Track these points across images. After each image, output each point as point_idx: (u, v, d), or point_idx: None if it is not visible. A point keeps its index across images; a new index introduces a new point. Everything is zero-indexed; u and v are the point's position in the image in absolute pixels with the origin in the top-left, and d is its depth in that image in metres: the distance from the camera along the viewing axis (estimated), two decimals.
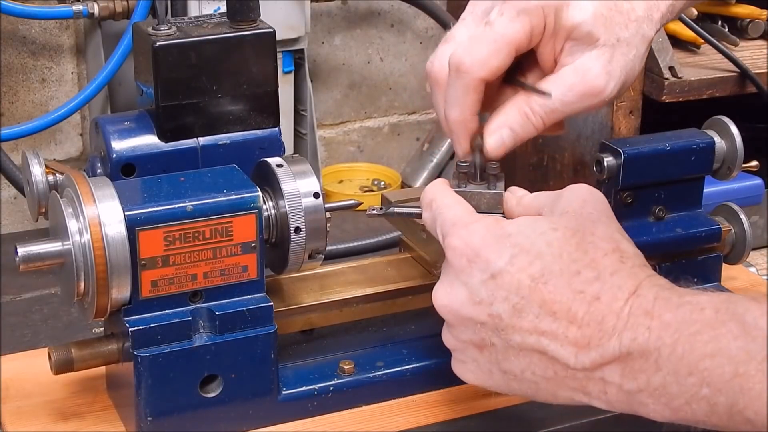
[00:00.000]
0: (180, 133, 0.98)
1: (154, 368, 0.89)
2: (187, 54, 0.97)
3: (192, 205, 0.88)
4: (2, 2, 1.60)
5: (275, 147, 1.01)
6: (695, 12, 1.69)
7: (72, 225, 0.87)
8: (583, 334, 0.75)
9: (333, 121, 2.00)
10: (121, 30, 1.67)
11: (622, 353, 0.73)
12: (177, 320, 0.90)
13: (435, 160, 2.01)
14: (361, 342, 1.02)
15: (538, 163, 1.79)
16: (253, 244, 0.91)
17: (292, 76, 1.79)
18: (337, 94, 1.99)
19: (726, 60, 1.64)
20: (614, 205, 1.06)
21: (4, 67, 1.72)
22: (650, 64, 1.58)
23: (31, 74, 1.75)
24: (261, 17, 1.01)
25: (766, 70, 1.65)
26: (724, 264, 1.12)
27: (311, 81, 1.83)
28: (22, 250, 0.87)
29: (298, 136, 1.85)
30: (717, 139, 1.09)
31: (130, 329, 0.89)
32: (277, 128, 1.02)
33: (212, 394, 0.92)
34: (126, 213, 0.87)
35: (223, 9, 1.07)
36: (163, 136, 0.98)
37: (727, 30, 1.70)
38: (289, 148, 1.80)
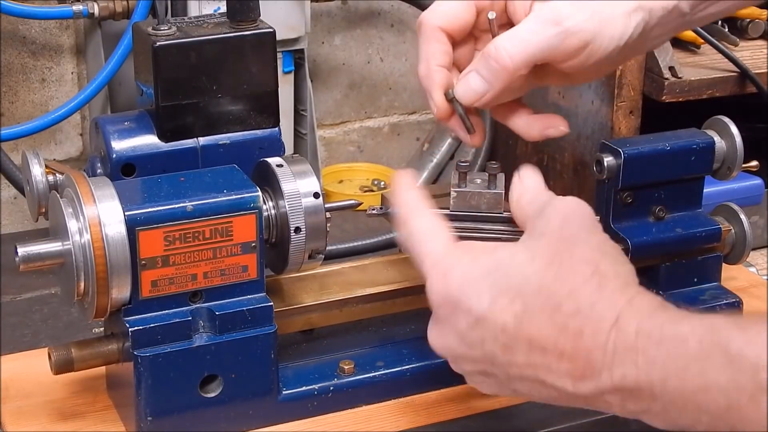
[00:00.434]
0: (180, 133, 0.98)
1: (154, 368, 0.89)
2: (187, 54, 0.97)
3: (192, 205, 0.88)
4: (2, 2, 1.60)
5: (275, 147, 1.01)
6: None
7: (72, 225, 0.87)
8: (575, 366, 0.74)
9: (333, 121, 2.00)
10: (121, 30, 1.67)
11: (616, 386, 0.73)
12: (177, 320, 0.90)
13: (435, 160, 2.01)
14: (361, 342, 1.02)
15: (538, 163, 1.79)
16: (253, 244, 0.91)
17: (292, 76, 1.79)
18: (337, 94, 1.99)
19: (726, 60, 1.64)
20: (614, 205, 1.06)
21: (4, 67, 1.72)
22: (650, 64, 1.59)
23: (31, 74, 1.75)
24: (261, 17, 1.01)
25: (766, 70, 1.65)
26: (724, 264, 1.12)
27: (311, 81, 1.83)
28: (22, 250, 0.87)
29: (298, 136, 1.85)
30: (717, 139, 1.08)
31: (130, 329, 0.88)
32: (277, 128, 1.02)
33: (212, 394, 0.92)
34: (126, 213, 0.87)
35: (223, 9, 1.07)
36: (163, 136, 0.98)
37: (727, 30, 1.70)
38: (289, 148, 1.80)
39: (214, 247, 0.89)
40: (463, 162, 0.96)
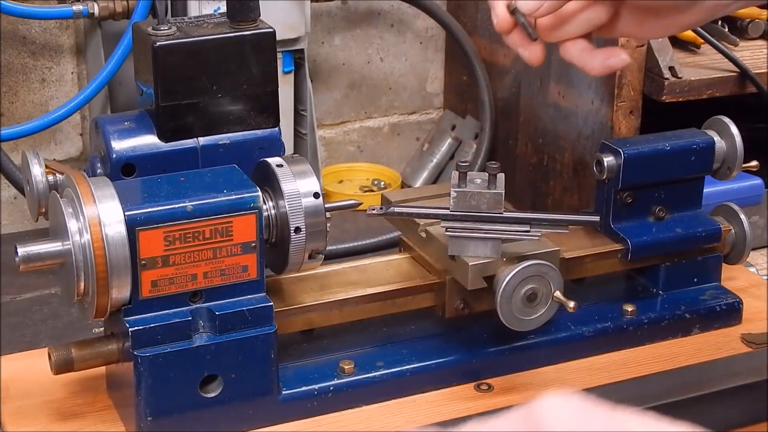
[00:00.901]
0: (180, 133, 0.98)
1: (154, 368, 0.89)
2: (187, 54, 0.97)
3: (192, 205, 0.88)
4: (2, 2, 1.60)
5: (275, 147, 1.01)
6: None
7: (72, 225, 0.87)
8: None
9: (333, 121, 2.00)
10: (121, 30, 1.67)
11: None
12: (177, 320, 0.90)
13: (435, 160, 2.01)
14: (361, 342, 1.02)
15: (538, 163, 1.79)
16: (253, 244, 0.91)
17: (292, 76, 1.79)
18: (337, 94, 1.99)
19: (726, 60, 1.64)
20: (614, 205, 1.06)
21: (4, 67, 1.72)
22: (650, 64, 1.58)
23: (31, 74, 1.75)
24: (261, 17, 1.01)
25: (766, 70, 1.65)
26: (724, 264, 1.12)
27: (311, 81, 1.83)
28: (22, 250, 0.87)
29: (298, 136, 1.85)
30: (717, 139, 1.09)
31: (130, 329, 0.88)
32: (277, 128, 1.02)
33: (212, 394, 0.92)
34: (126, 213, 0.87)
35: (223, 9, 1.07)
36: (163, 136, 0.98)
37: (727, 30, 1.70)
38: (289, 148, 1.80)
39: (214, 247, 0.89)
40: (463, 162, 0.96)
